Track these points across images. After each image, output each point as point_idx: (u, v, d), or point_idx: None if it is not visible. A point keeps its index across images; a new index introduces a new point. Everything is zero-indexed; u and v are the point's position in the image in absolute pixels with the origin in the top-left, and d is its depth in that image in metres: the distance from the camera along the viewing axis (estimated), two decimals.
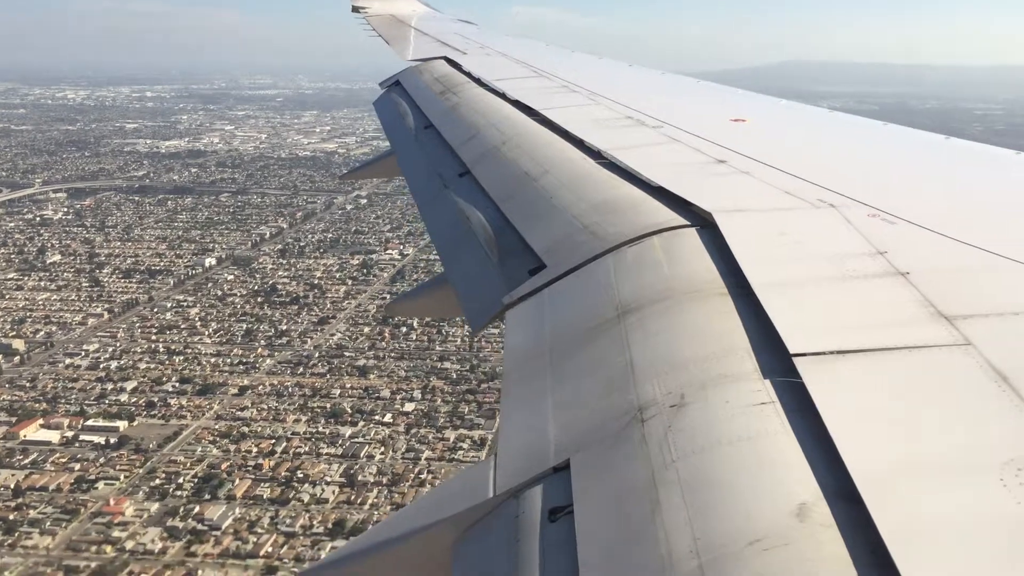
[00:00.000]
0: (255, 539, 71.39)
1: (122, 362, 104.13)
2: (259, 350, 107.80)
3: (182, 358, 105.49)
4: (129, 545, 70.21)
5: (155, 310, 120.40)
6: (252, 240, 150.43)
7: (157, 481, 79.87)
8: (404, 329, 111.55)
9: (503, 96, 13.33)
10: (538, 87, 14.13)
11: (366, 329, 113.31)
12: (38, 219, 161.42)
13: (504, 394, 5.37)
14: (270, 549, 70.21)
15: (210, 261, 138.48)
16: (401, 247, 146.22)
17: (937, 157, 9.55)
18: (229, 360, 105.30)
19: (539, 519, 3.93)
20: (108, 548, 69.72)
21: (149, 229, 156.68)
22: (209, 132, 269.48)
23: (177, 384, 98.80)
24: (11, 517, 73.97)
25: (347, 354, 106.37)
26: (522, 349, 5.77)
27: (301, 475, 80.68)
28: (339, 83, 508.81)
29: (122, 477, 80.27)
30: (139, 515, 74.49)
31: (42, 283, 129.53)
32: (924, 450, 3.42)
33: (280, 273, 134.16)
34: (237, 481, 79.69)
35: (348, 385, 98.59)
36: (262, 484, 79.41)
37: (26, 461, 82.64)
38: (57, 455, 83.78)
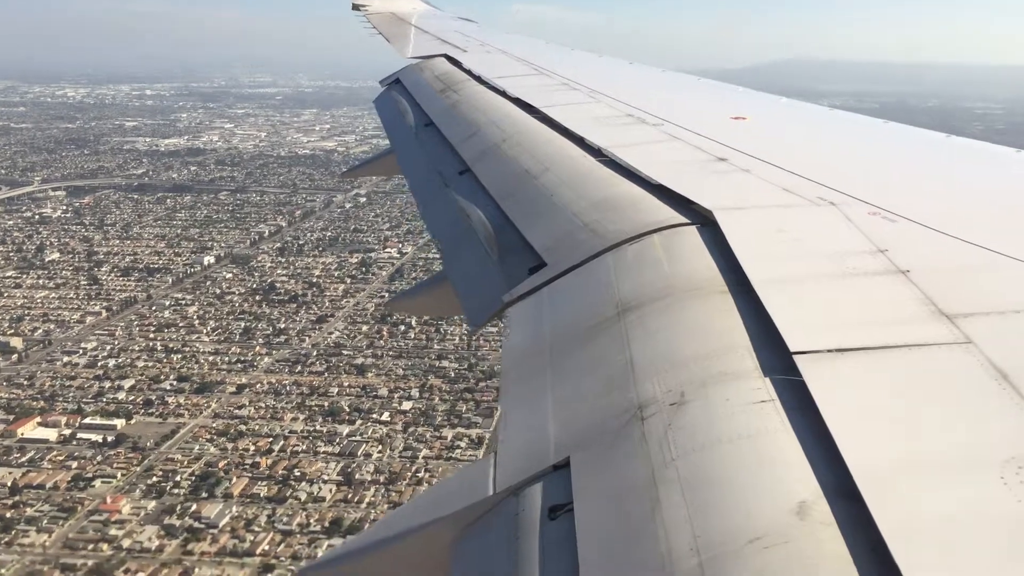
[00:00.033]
0: (252, 537, 71.38)
1: (120, 360, 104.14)
2: (257, 348, 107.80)
3: (180, 356, 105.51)
4: (126, 543, 70.21)
5: (153, 308, 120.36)
6: (251, 238, 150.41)
7: (154, 479, 79.87)
8: (402, 328, 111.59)
9: (503, 94, 13.33)
10: (538, 85, 14.11)
11: (364, 327, 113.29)
12: (37, 217, 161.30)
13: (504, 392, 5.36)
14: (267, 547, 70.18)
15: (209, 259, 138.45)
16: (400, 245, 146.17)
17: (938, 155, 9.53)
18: (227, 358, 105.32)
19: (539, 517, 3.93)
20: (105, 546, 69.74)
21: (148, 227, 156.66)
22: (209, 130, 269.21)
23: (175, 382, 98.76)
24: (8, 515, 73.97)
25: (345, 352, 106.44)
26: (522, 347, 5.78)
27: (298, 473, 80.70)
28: (339, 81, 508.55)
29: (119, 475, 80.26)
30: (136, 513, 74.47)
31: (40, 281, 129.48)
32: (924, 448, 3.41)
33: (279, 271, 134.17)
34: (234, 479, 79.67)
35: (346, 383, 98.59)
36: (259, 482, 79.43)
37: (23, 459, 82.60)
38: (54, 453, 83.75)
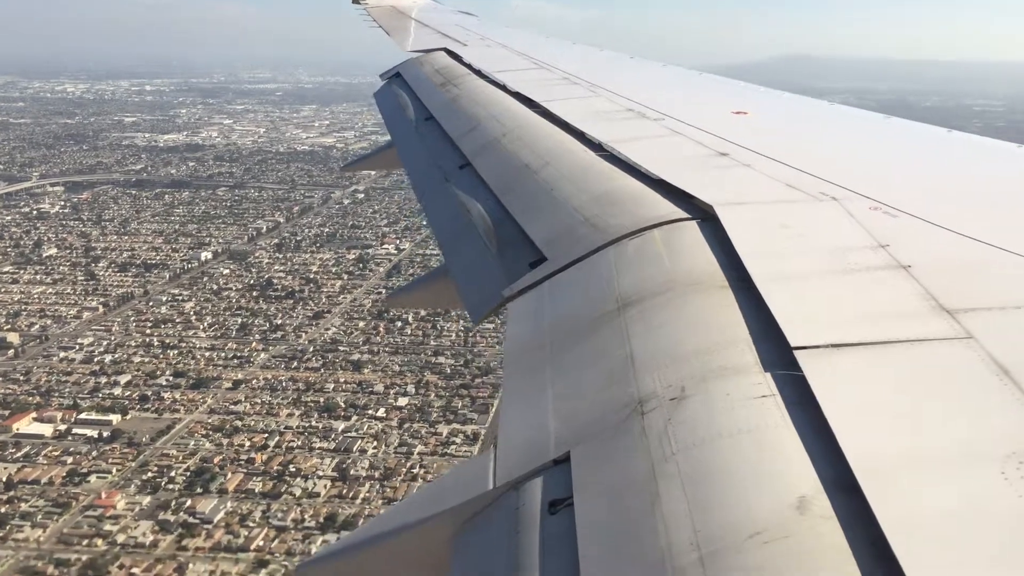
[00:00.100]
0: (246, 533, 71.35)
1: (116, 356, 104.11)
2: (254, 344, 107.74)
3: (176, 352, 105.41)
4: (120, 538, 70.13)
5: (150, 304, 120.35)
6: (248, 234, 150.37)
7: (149, 475, 79.84)
8: (399, 324, 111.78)
9: (504, 88, 13.37)
10: (539, 79, 14.14)
11: (361, 324, 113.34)
12: (35, 212, 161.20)
13: (504, 386, 5.40)
14: (261, 543, 70.21)
15: (206, 255, 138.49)
16: (397, 242, 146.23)
17: (939, 150, 9.51)
18: (223, 354, 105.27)
19: (539, 511, 3.94)
20: (99, 541, 69.70)
21: (146, 223, 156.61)
22: (208, 126, 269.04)
23: (171, 378, 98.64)
24: (2, 510, 73.90)
25: (341, 348, 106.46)
26: (522, 341, 5.79)
27: (293, 469, 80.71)
28: (339, 77, 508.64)
29: (114, 470, 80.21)
30: (131, 508, 74.43)
31: (38, 276, 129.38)
32: (925, 443, 3.41)
33: (276, 267, 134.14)
34: (229, 475, 79.67)
35: (342, 379, 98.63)
36: (254, 478, 79.40)
37: (18, 454, 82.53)
38: (49, 448, 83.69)
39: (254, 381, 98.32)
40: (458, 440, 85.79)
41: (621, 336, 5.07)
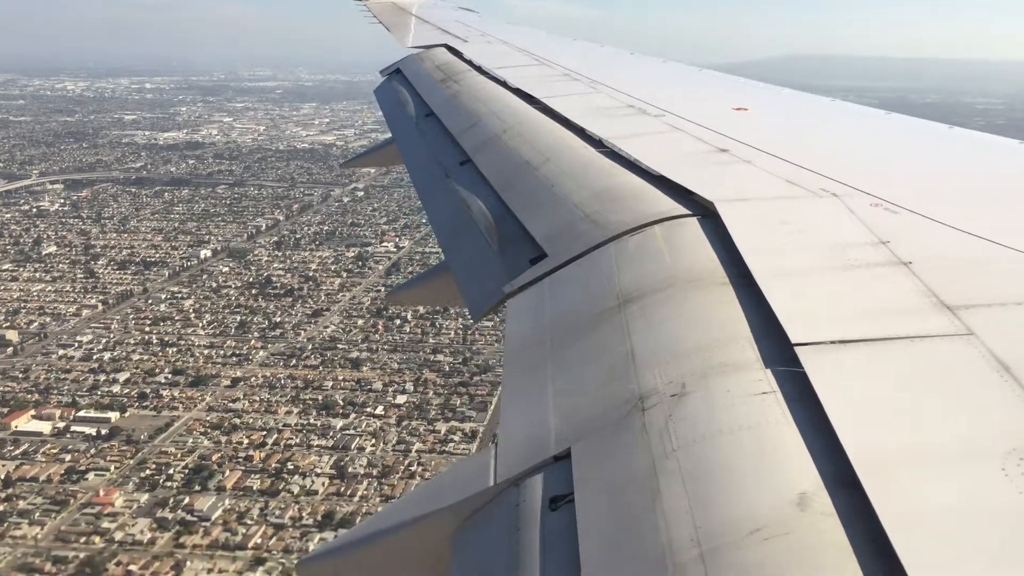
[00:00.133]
0: (244, 530, 71.47)
1: (115, 353, 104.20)
2: (252, 342, 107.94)
3: (175, 350, 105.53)
4: (118, 536, 70.20)
5: (149, 301, 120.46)
6: (248, 232, 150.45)
7: (147, 472, 79.91)
8: (398, 322, 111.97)
9: (504, 84, 13.38)
10: (539, 75, 14.15)
11: (360, 321, 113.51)
12: (35, 210, 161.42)
13: (505, 383, 5.40)
14: (259, 540, 70.33)
15: (205, 253, 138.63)
16: (397, 239, 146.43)
17: (940, 147, 9.52)
18: (222, 352, 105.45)
19: (540, 508, 3.94)
20: (97, 539, 69.78)
21: (145, 221, 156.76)
22: (208, 124, 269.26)
23: (170, 375, 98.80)
24: (0, 508, 74.01)
25: (340, 346, 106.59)
26: (523, 338, 5.80)
27: (291, 467, 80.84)
28: (339, 75, 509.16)
29: (112, 468, 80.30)
30: (129, 506, 74.55)
31: (37, 274, 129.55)
32: (926, 440, 3.41)
33: (275, 265, 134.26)
34: (227, 472, 79.78)
35: (340, 377, 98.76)
36: (252, 475, 79.55)
37: (17, 452, 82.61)
38: (48, 446, 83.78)
39: (253, 379, 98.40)
40: (456, 438, 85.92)
41: (622, 332, 5.06)
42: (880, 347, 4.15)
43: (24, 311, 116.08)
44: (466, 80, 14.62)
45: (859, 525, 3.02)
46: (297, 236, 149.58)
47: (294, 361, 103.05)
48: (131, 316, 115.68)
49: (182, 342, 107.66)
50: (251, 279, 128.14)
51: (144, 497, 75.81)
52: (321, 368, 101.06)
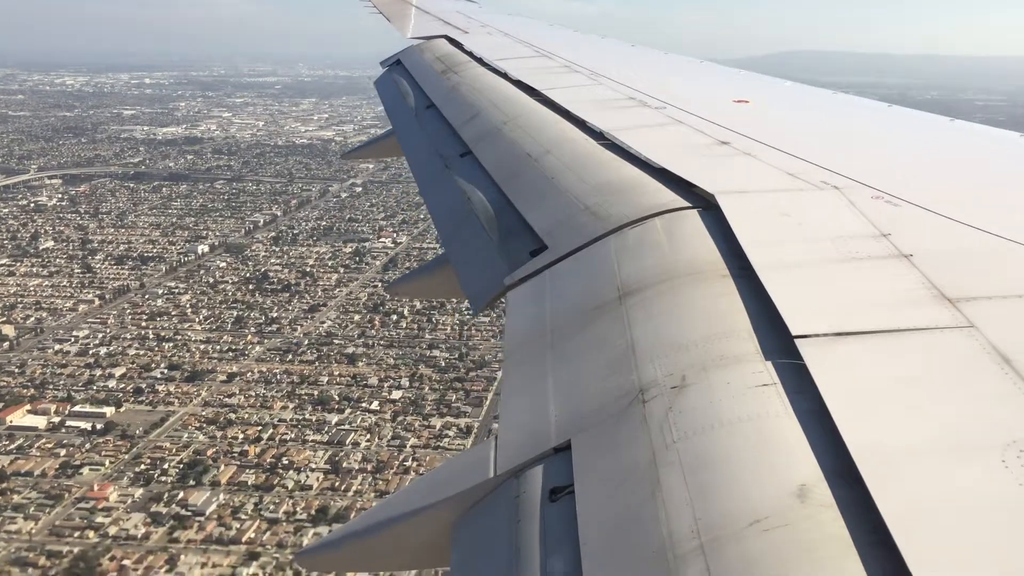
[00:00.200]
0: (238, 525, 71.74)
1: (111, 348, 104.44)
2: (249, 337, 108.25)
3: (171, 345, 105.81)
4: (112, 531, 70.43)
5: (146, 297, 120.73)
6: (246, 227, 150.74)
7: (142, 467, 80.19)
8: (394, 317, 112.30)
9: (505, 76, 13.38)
10: (540, 67, 14.16)
11: (356, 317, 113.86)
12: (32, 205, 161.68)
13: (505, 375, 5.39)
14: (253, 535, 70.55)
15: (203, 248, 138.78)
16: (394, 235, 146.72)
17: (942, 139, 9.52)
18: (218, 347, 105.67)
19: (540, 499, 3.95)
20: (91, 533, 70.02)
21: (143, 216, 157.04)
22: (207, 119, 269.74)
23: (165, 371, 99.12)
24: None
25: (336, 342, 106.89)
26: (523, 330, 5.80)
27: (286, 462, 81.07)
28: (338, 71, 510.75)
29: (107, 463, 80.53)
30: (123, 501, 74.75)
31: (34, 269, 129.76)
32: (926, 431, 3.41)
33: (272, 260, 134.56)
34: (222, 467, 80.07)
35: (336, 373, 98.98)
36: (247, 470, 79.83)
37: (12, 446, 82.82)
38: (43, 441, 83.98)
39: (248, 374, 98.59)
40: (451, 433, 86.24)
41: (622, 325, 5.06)
42: (880, 339, 4.15)
43: (21, 306, 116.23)
44: (467, 72, 14.60)
45: (859, 516, 3.01)
46: (295, 231, 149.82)
47: (290, 356, 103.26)
48: (127, 311, 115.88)
49: (178, 337, 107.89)
50: (248, 274, 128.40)
51: (138, 492, 76.05)
52: (317, 363, 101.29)
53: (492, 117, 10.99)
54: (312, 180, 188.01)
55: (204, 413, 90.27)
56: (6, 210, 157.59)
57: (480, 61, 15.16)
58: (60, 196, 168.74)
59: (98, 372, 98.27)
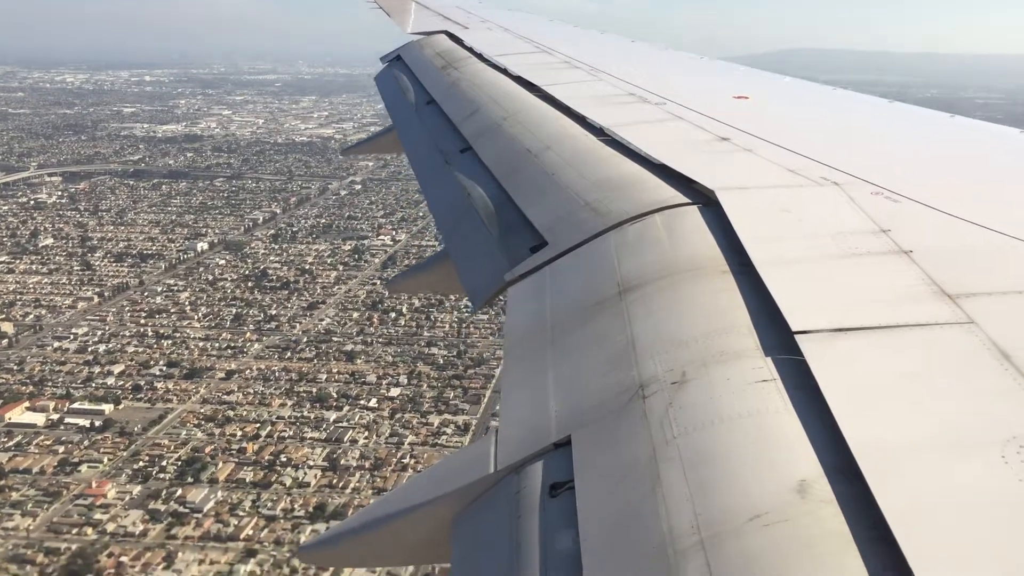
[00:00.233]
0: (236, 522, 71.67)
1: (110, 346, 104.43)
2: (248, 335, 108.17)
3: (170, 342, 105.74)
4: (110, 527, 70.41)
5: (145, 294, 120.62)
6: (245, 225, 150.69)
7: (140, 464, 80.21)
8: (393, 315, 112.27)
9: (505, 72, 13.37)
10: (540, 63, 14.19)
11: (355, 314, 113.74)
12: (32, 203, 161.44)
13: (505, 371, 5.41)
14: (250, 532, 70.51)
15: (202, 246, 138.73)
16: (394, 233, 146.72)
17: (942, 135, 9.54)
18: (217, 344, 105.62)
19: (540, 494, 3.96)
20: (89, 530, 70.02)
21: (142, 213, 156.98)
22: (206, 117, 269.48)
23: (164, 368, 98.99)
24: None
25: (335, 339, 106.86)
26: (523, 326, 5.82)
27: (284, 459, 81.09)
28: (338, 68, 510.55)
29: (105, 460, 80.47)
30: (121, 497, 74.75)
31: (33, 267, 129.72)
32: (926, 427, 3.41)
33: (272, 258, 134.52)
34: (220, 464, 80.00)
35: (335, 370, 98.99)
36: (245, 467, 79.81)
37: (10, 443, 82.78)
38: (41, 438, 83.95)
39: (247, 371, 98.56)
40: (449, 431, 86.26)
41: (622, 320, 5.07)
42: (880, 335, 4.14)
43: (20, 303, 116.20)
44: (467, 67, 14.60)
45: (859, 512, 3.01)
46: (294, 229, 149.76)
47: (289, 354, 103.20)
48: (127, 308, 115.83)
49: (177, 334, 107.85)
50: (247, 272, 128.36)
51: (137, 489, 76.01)
52: (316, 361, 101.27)
53: (492, 113, 10.99)
54: (312, 178, 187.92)
55: (202, 410, 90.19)
56: (5, 207, 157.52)
57: (480, 57, 15.14)
58: (60, 193, 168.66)
59: (97, 369, 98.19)
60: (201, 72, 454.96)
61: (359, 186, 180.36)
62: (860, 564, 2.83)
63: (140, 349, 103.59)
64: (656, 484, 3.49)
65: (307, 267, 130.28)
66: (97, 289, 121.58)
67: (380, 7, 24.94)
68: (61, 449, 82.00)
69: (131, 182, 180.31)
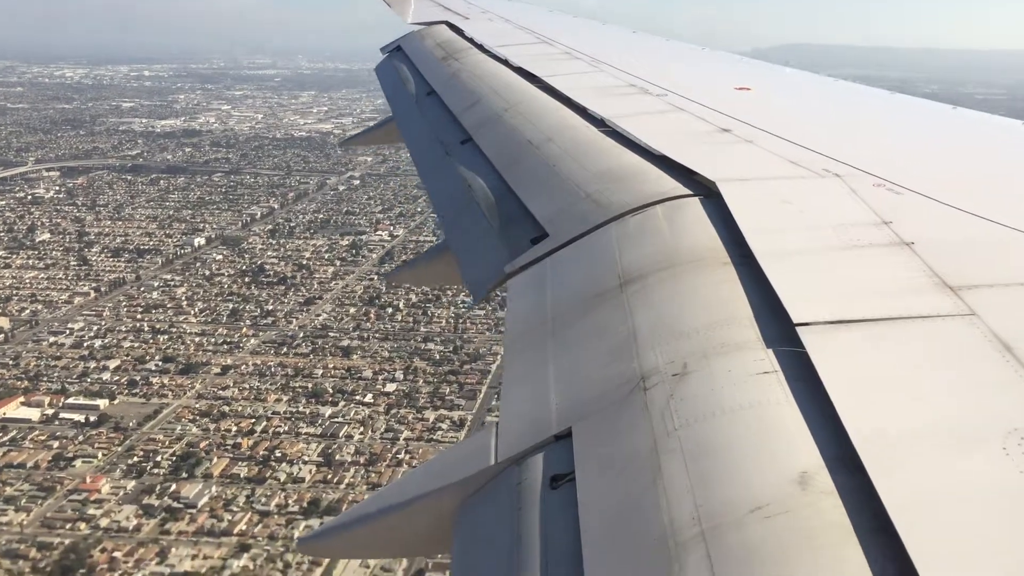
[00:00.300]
0: (230, 517, 71.64)
1: (106, 341, 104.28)
2: (244, 330, 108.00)
3: (166, 337, 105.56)
4: (103, 523, 70.36)
5: (142, 289, 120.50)
6: (243, 220, 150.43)
7: (135, 459, 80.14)
8: (390, 310, 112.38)
9: (505, 63, 13.38)
10: (541, 54, 14.16)
11: (352, 310, 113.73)
12: (29, 197, 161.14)
13: (506, 362, 5.40)
14: (244, 527, 70.55)
15: (199, 241, 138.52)
16: (391, 228, 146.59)
17: (944, 127, 9.56)
18: (213, 339, 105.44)
19: (540, 486, 3.97)
20: (82, 525, 69.94)
21: (140, 208, 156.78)
22: (206, 112, 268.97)
23: (160, 363, 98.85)
24: None
25: (331, 334, 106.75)
26: (524, 318, 5.83)
27: (279, 454, 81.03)
28: (338, 63, 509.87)
29: (100, 455, 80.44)
30: (115, 493, 74.77)
31: (30, 261, 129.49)
32: (927, 419, 3.43)
33: (269, 253, 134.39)
34: (215, 460, 79.98)
35: (331, 365, 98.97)
36: (240, 463, 79.79)
37: (5, 438, 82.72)
38: (36, 433, 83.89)
39: (243, 366, 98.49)
40: (444, 426, 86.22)
41: (623, 312, 5.08)
42: (882, 327, 4.15)
43: (16, 298, 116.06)
44: (467, 58, 14.60)
45: (860, 504, 3.02)
46: (292, 224, 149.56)
47: (285, 349, 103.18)
48: (123, 304, 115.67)
49: (173, 330, 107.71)
50: (244, 267, 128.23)
51: (131, 484, 75.97)
52: (312, 356, 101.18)
53: (493, 104, 11.00)
54: (310, 173, 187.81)
55: (198, 405, 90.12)
56: (3, 202, 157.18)
57: (481, 47, 15.12)
58: (57, 188, 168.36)
59: (92, 364, 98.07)
60: (201, 67, 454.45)
61: (357, 181, 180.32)
62: (861, 556, 2.83)
63: (136, 344, 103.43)
64: (657, 476, 3.49)
65: (304, 262, 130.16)
66: (94, 284, 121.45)
67: None
68: (56, 444, 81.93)
69: (129, 177, 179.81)
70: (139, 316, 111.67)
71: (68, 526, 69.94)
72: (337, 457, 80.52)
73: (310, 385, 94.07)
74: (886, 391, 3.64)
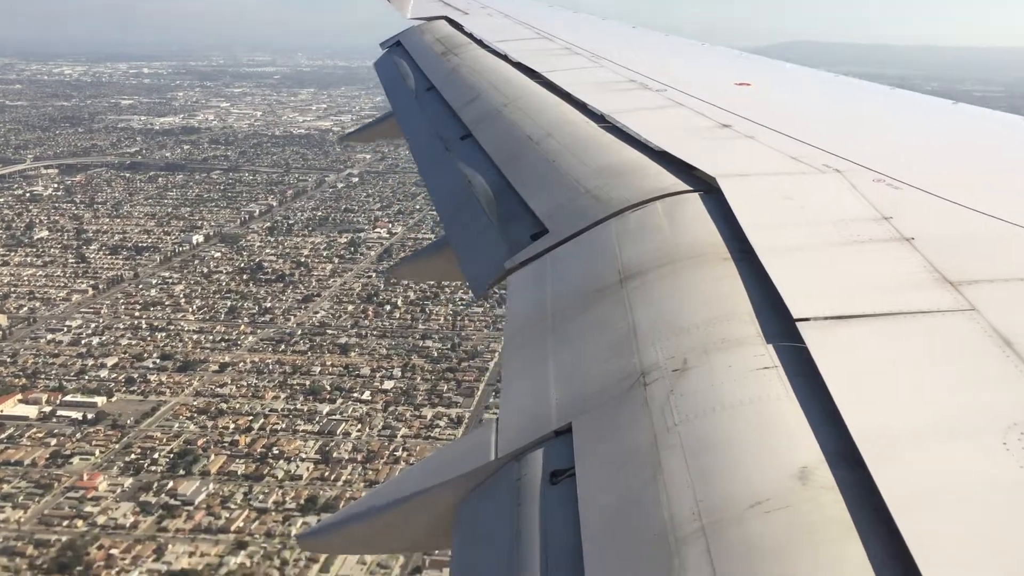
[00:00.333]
0: (227, 515, 71.64)
1: (104, 338, 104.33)
2: (242, 327, 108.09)
3: (164, 334, 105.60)
4: (101, 520, 70.40)
5: (140, 287, 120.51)
6: (241, 218, 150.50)
7: (132, 456, 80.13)
8: (388, 308, 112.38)
9: (505, 58, 13.35)
10: (541, 49, 14.17)
11: (350, 307, 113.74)
12: (28, 195, 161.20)
13: (506, 358, 5.42)
14: (241, 524, 70.50)
15: (198, 238, 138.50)
16: (390, 226, 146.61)
17: (944, 123, 9.56)
18: (211, 337, 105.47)
19: (540, 482, 3.97)
20: (79, 523, 69.93)
21: (138, 206, 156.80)
22: (204, 109, 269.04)
23: (158, 360, 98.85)
24: None
25: (329, 332, 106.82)
26: (524, 314, 5.84)
27: (277, 452, 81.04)
28: (337, 61, 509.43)
29: (97, 452, 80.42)
30: (112, 490, 74.77)
31: (28, 259, 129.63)
32: (927, 414, 3.43)
33: (267, 251, 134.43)
34: (212, 457, 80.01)
35: (329, 363, 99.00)
36: (237, 460, 79.80)
37: (2, 436, 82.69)
38: (34, 430, 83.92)
39: (241, 364, 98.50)
40: (442, 423, 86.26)
41: (623, 308, 5.08)
42: (882, 322, 4.15)
43: (14, 296, 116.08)
44: (467, 53, 14.58)
45: (860, 499, 3.02)
46: (290, 222, 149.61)
47: (283, 346, 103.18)
48: (121, 301, 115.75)
49: (171, 327, 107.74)
50: (243, 264, 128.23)
51: (128, 481, 75.99)
52: (309, 353, 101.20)
53: (492, 99, 10.98)
54: (309, 170, 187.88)
55: (195, 403, 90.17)
56: (1, 200, 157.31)
57: (480, 43, 15.09)
58: (56, 186, 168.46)
59: (90, 362, 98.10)
60: (200, 64, 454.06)
61: (356, 179, 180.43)
62: (861, 550, 2.82)
63: (134, 342, 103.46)
64: (657, 471, 3.49)
65: (303, 260, 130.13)
66: (92, 282, 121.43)
67: None
68: (53, 441, 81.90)
69: (127, 174, 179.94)
70: (137, 313, 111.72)
71: (65, 523, 69.89)
72: (335, 454, 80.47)
73: (308, 382, 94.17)
74: (886, 386, 3.64)
